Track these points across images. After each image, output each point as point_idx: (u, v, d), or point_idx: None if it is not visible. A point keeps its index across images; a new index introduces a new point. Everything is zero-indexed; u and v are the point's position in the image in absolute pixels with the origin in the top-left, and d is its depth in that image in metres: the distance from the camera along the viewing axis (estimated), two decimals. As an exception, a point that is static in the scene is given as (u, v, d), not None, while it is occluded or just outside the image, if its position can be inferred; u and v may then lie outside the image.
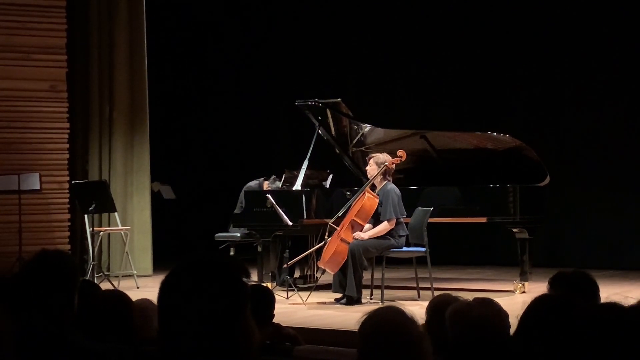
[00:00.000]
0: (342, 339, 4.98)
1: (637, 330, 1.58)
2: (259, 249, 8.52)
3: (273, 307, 3.91)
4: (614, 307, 1.65)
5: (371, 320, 2.05)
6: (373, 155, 7.72)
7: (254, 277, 8.46)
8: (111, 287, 8.20)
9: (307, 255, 8.45)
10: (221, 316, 1.75)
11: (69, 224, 9.79)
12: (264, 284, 7.71)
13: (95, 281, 8.67)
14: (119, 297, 3.19)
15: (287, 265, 7.88)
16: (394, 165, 7.68)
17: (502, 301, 2.98)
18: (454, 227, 9.21)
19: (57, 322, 2.36)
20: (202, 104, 12.74)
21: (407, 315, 2.08)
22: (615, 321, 1.59)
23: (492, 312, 2.69)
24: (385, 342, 2.01)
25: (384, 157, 7.60)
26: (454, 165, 8.49)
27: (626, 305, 1.69)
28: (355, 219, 7.48)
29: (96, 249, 9.30)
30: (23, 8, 9.56)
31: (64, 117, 9.75)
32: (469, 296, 2.93)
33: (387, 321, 2.08)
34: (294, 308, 7.25)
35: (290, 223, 7.87)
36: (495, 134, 8.29)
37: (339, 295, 7.50)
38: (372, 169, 7.61)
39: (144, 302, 3.36)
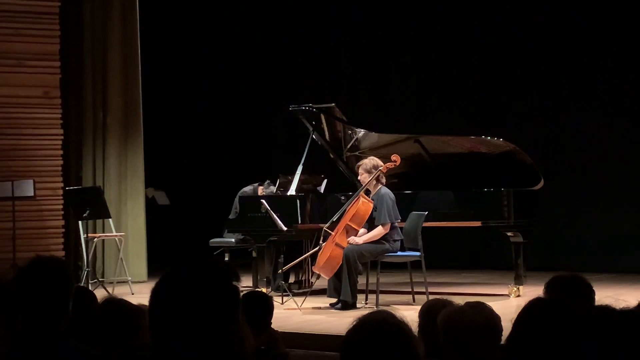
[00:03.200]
0: (337, 344, 4.98)
1: (628, 332, 1.58)
2: (254, 254, 8.52)
3: (271, 315, 3.91)
4: (605, 309, 1.65)
5: (362, 324, 2.05)
6: (360, 163, 7.70)
7: (249, 282, 8.46)
8: (106, 294, 8.19)
9: (302, 261, 8.45)
10: (213, 320, 1.75)
11: (63, 230, 9.77)
12: (259, 290, 7.71)
13: (90, 287, 8.66)
14: (116, 303, 3.18)
15: (282, 270, 7.88)
16: (387, 169, 7.68)
17: (497, 305, 2.99)
18: (448, 231, 9.21)
19: (51, 329, 2.36)
20: (196, 110, 12.74)
21: (398, 319, 2.08)
22: (606, 323, 1.60)
23: (484, 316, 2.70)
24: (376, 347, 2.01)
25: (370, 162, 7.57)
26: (448, 169, 8.49)
27: (618, 307, 1.69)
28: (349, 223, 7.48)
29: (90, 256, 9.28)
30: (16, 15, 9.55)
31: (58, 123, 9.74)
32: (464, 300, 2.94)
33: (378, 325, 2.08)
34: (289, 313, 7.24)
35: (285, 228, 7.87)
36: (489, 137, 8.30)
37: (334, 300, 7.50)
38: (363, 178, 7.60)
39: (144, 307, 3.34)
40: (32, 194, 9.00)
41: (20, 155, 9.54)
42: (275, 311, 3.99)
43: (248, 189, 9.18)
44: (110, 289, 8.93)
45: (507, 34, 10.72)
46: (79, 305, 3.04)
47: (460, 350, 2.66)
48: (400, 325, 1.99)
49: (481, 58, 10.89)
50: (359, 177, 7.71)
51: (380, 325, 1.94)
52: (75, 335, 2.72)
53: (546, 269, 9.37)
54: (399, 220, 7.64)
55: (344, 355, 1.98)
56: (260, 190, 9.02)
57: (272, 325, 3.94)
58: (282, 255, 8.11)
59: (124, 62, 10.37)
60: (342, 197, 8.10)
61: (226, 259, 9.20)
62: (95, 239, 9.62)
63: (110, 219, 9.57)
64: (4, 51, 9.49)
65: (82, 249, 9.51)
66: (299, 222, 8.11)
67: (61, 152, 9.78)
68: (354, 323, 2.06)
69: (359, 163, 7.73)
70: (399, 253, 7.64)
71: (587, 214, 10.30)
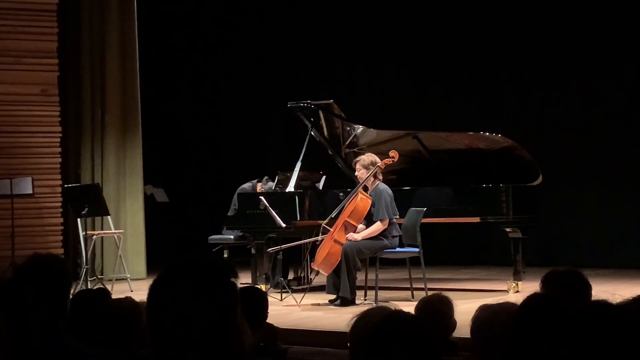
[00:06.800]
0: (336, 340, 4.98)
1: (623, 327, 1.59)
2: (253, 251, 8.52)
3: (266, 309, 3.92)
4: (601, 304, 1.66)
5: (363, 320, 2.05)
6: (358, 159, 7.71)
7: (248, 279, 8.46)
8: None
9: (301, 257, 8.46)
10: (211, 317, 1.75)
11: (62, 227, 9.77)
12: (258, 286, 7.72)
13: (89, 285, 8.66)
14: (125, 304, 3.19)
15: (282, 248, 7.83)
16: (385, 165, 7.68)
17: (496, 301, 2.99)
18: (447, 228, 9.22)
19: (49, 326, 2.36)
20: (195, 107, 12.73)
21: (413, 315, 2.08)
22: (602, 318, 1.61)
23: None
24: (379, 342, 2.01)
25: (368, 158, 7.59)
26: (446, 166, 8.50)
27: (614, 302, 1.70)
28: (348, 220, 7.48)
29: (89, 253, 9.28)
30: (14, 12, 9.54)
31: (56, 121, 9.74)
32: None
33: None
34: (288, 310, 7.25)
35: (284, 225, 7.87)
36: (487, 133, 8.30)
37: (333, 296, 7.50)
38: (361, 174, 7.60)
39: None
40: (30, 191, 9.00)
41: (18, 153, 9.54)
42: (274, 308, 4.01)
43: (247, 185, 9.18)
44: (109, 287, 8.91)
45: (504, 29, 10.71)
46: (96, 306, 3.08)
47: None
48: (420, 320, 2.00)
49: (479, 54, 10.88)
50: (356, 173, 7.71)
51: (406, 320, 1.94)
52: (88, 335, 2.74)
53: (545, 265, 9.40)
54: (397, 216, 7.65)
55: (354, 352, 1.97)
56: (259, 187, 9.02)
57: (272, 322, 3.94)
58: (281, 252, 8.11)
59: (122, 60, 10.36)
60: (341, 194, 8.10)
61: (225, 256, 9.20)
62: (94, 236, 9.61)
63: (109, 217, 9.56)
64: (2, 49, 9.49)
65: (80, 246, 9.51)
66: (298, 218, 8.11)
67: (59, 149, 9.78)
68: (360, 320, 2.05)
69: (357, 159, 7.73)
70: (398, 249, 7.64)
71: (586, 209, 10.31)
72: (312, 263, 7.80)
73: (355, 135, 8.67)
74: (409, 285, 7.85)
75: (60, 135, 9.79)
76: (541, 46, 10.57)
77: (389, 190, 7.57)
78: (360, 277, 7.64)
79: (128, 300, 3.28)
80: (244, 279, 8.43)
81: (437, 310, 3.62)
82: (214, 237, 9.41)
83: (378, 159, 7.60)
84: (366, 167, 7.56)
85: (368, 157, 7.61)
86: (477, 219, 8.05)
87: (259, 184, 9.07)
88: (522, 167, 8.24)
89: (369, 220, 7.53)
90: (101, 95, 10.35)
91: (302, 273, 9.07)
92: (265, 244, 8.27)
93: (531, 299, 2.44)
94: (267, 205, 7.91)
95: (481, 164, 8.36)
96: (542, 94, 10.65)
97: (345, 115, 8.73)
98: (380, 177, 7.68)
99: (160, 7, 12.17)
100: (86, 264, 8.97)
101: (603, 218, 10.19)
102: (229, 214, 9.00)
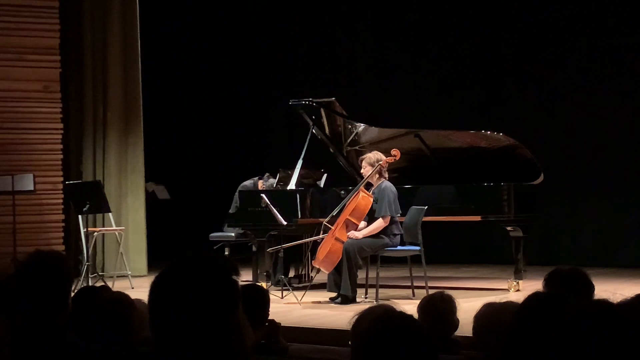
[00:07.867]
0: (337, 338, 4.99)
1: (624, 326, 1.59)
2: (254, 248, 8.53)
3: (268, 307, 3.92)
4: (602, 303, 1.66)
5: (364, 318, 2.05)
6: (363, 156, 7.72)
7: (249, 276, 8.47)
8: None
9: (302, 255, 8.45)
10: (212, 315, 1.75)
11: (63, 224, 9.78)
12: (259, 284, 7.72)
13: (90, 282, 8.67)
14: (121, 299, 3.20)
15: (282, 247, 7.84)
16: (388, 163, 7.69)
17: (497, 299, 3.00)
18: (448, 226, 9.21)
19: (51, 323, 2.36)
20: (196, 104, 12.74)
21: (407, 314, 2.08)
22: (602, 317, 1.61)
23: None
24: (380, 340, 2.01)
25: (374, 156, 7.60)
26: (448, 164, 8.49)
27: (614, 301, 1.70)
28: (349, 218, 7.48)
29: (90, 250, 9.28)
30: (16, 9, 9.54)
31: (58, 117, 9.74)
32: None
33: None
34: (289, 307, 7.25)
35: (285, 222, 7.87)
36: (489, 132, 8.30)
37: (334, 294, 7.51)
38: (366, 171, 7.61)
39: (141, 303, 3.36)
40: (32, 188, 9.00)
41: (20, 149, 9.54)
42: (275, 305, 4.00)
43: (248, 183, 9.18)
44: (110, 283, 8.92)
45: (506, 27, 10.71)
46: (94, 302, 3.08)
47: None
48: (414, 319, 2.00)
49: (481, 52, 10.88)
50: (361, 170, 7.71)
51: (402, 319, 1.94)
52: (83, 331, 2.74)
53: (546, 264, 9.40)
54: (399, 215, 7.65)
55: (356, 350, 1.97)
56: (261, 185, 9.02)
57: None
58: (282, 250, 8.12)
59: (124, 56, 10.36)
60: (342, 192, 8.10)
61: (226, 253, 9.21)
62: (95, 233, 9.62)
63: (110, 213, 9.56)
64: (4, 45, 9.49)
65: (82, 243, 9.51)
66: (299, 216, 8.11)
67: (61, 146, 9.78)
68: (362, 318, 2.05)
69: (362, 156, 7.74)
70: (399, 247, 7.64)
71: (587, 208, 10.31)
72: (313, 261, 7.80)
73: (357, 133, 8.67)
74: (409, 284, 7.85)
75: (62, 131, 9.79)
76: (543, 45, 10.56)
77: (393, 189, 7.58)
78: (361, 275, 7.64)
79: (119, 294, 3.29)
80: (245, 277, 8.44)
81: (439, 308, 3.63)
82: (215, 235, 9.42)
83: (383, 156, 7.61)
84: (372, 165, 7.58)
85: (374, 155, 7.62)
86: (478, 218, 8.05)
87: (261, 182, 9.08)
88: (523, 166, 8.24)
89: (370, 218, 7.53)
90: (103, 92, 10.36)
91: (303, 271, 9.08)
92: (266, 241, 8.27)
93: (532, 298, 2.44)
94: (269, 202, 7.91)
95: (483, 163, 8.36)
96: (544, 93, 10.65)
97: (347, 113, 8.73)
98: (386, 175, 7.68)
99: (162, 4, 12.17)
100: (87, 261, 8.97)
101: (604, 217, 10.19)
102: (230, 211, 9.01)
